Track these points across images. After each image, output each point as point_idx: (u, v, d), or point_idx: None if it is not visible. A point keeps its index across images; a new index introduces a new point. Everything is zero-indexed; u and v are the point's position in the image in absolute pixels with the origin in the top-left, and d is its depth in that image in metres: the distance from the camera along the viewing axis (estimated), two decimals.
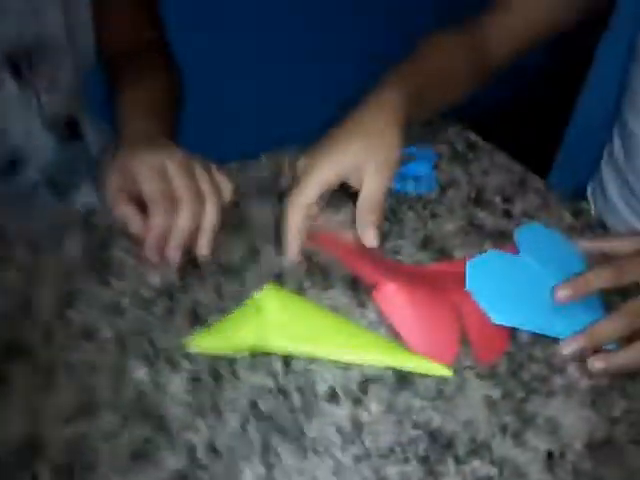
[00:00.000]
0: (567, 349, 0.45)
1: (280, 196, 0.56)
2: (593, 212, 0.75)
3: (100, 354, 0.45)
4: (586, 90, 0.78)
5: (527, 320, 0.47)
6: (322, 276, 0.50)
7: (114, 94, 0.64)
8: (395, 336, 0.46)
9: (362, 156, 0.49)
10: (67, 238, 0.53)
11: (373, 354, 0.45)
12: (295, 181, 0.50)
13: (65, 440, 0.40)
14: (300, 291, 0.49)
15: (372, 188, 0.49)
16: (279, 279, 0.50)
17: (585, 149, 0.80)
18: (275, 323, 0.45)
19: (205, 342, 0.45)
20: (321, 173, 0.49)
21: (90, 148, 0.69)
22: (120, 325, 0.46)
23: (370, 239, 0.49)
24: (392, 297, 0.46)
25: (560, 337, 0.46)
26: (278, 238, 0.52)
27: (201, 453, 0.39)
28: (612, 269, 0.47)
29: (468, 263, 0.48)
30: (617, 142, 0.69)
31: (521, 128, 1.46)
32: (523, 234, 0.52)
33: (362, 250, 0.50)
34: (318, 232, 0.52)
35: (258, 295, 0.46)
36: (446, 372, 0.44)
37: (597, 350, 0.45)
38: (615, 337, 0.45)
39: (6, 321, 0.46)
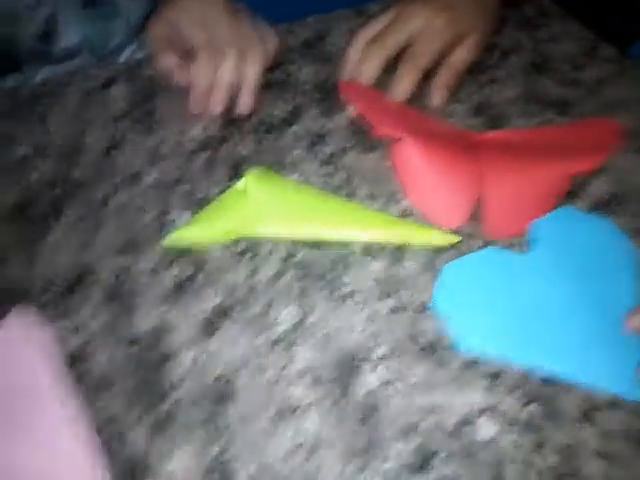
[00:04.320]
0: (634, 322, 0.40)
1: (326, 57, 0.58)
2: None
3: (144, 197, 0.48)
4: None
5: (518, 351, 0.40)
6: (364, 137, 0.52)
7: None
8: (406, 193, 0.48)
9: (467, 22, 0.52)
10: (113, 89, 0.56)
11: (368, 229, 0.45)
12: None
13: (114, 269, 0.44)
14: (342, 152, 0.51)
15: (465, 57, 0.53)
16: (321, 139, 0.52)
17: None
18: (261, 208, 0.46)
19: (188, 235, 0.45)
20: (415, 22, 0.51)
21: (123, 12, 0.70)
22: (162, 172, 0.50)
23: (440, 99, 0.53)
24: (407, 151, 0.48)
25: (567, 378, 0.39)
26: (321, 99, 0.55)
27: (240, 292, 0.43)
28: None
29: (442, 281, 0.43)
30: None
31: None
32: (544, 225, 0.45)
33: (400, 108, 0.52)
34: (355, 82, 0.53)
35: (241, 181, 0.47)
36: (451, 239, 0.45)
37: None
38: None
39: (62, 160, 0.51)
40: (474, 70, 0.56)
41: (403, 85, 0.51)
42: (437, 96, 0.53)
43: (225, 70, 0.50)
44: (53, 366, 0.39)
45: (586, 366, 0.39)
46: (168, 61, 0.53)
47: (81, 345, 0.40)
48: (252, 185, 0.47)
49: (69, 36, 0.63)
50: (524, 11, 0.62)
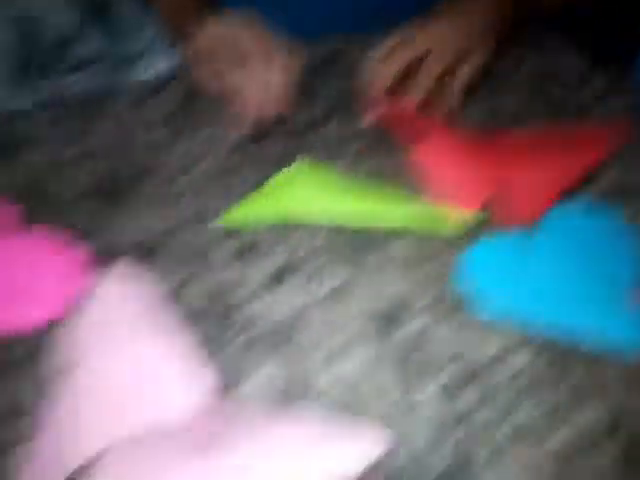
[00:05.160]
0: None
1: (349, 69, 0.63)
2: None
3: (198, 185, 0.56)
4: None
5: (534, 316, 0.46)
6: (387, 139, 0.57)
7: None
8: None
9: (465, 43, 0.57)
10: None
11: (395, 213, 0.51)
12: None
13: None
14: (362, 155, 0.57)
15: (470, 73, 0.57)
16: (343, 144, 0.58)
17: None
18: (302, 196, 0.52)
19: (238, 217, 0.52)
20: (417, 47, 0.56)
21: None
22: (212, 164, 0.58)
23: (450, 107, 0.57)
24: (429, 147, 0.54)
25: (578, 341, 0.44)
26: (344, 108, 0.60)
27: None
28: None
29: (465, 256, 0.49)
30: None
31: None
32: (555, 214, 0.51)
33: (417, 114, 0.57)
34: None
35: (287, 170, 0.54)
36: (468, 221, 0.50)
37: None
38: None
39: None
40: (488, 76, 0.60)
41: (416, 96, 0.56)
42: (448, 105, 0.57)
43: (271, 77, 0.56)
44: (149, 304, 0.45)
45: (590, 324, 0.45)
46: (208, 71, 0.59)
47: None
48: (300, 172, 0.54)
49: (83, 45, 0.68)
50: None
